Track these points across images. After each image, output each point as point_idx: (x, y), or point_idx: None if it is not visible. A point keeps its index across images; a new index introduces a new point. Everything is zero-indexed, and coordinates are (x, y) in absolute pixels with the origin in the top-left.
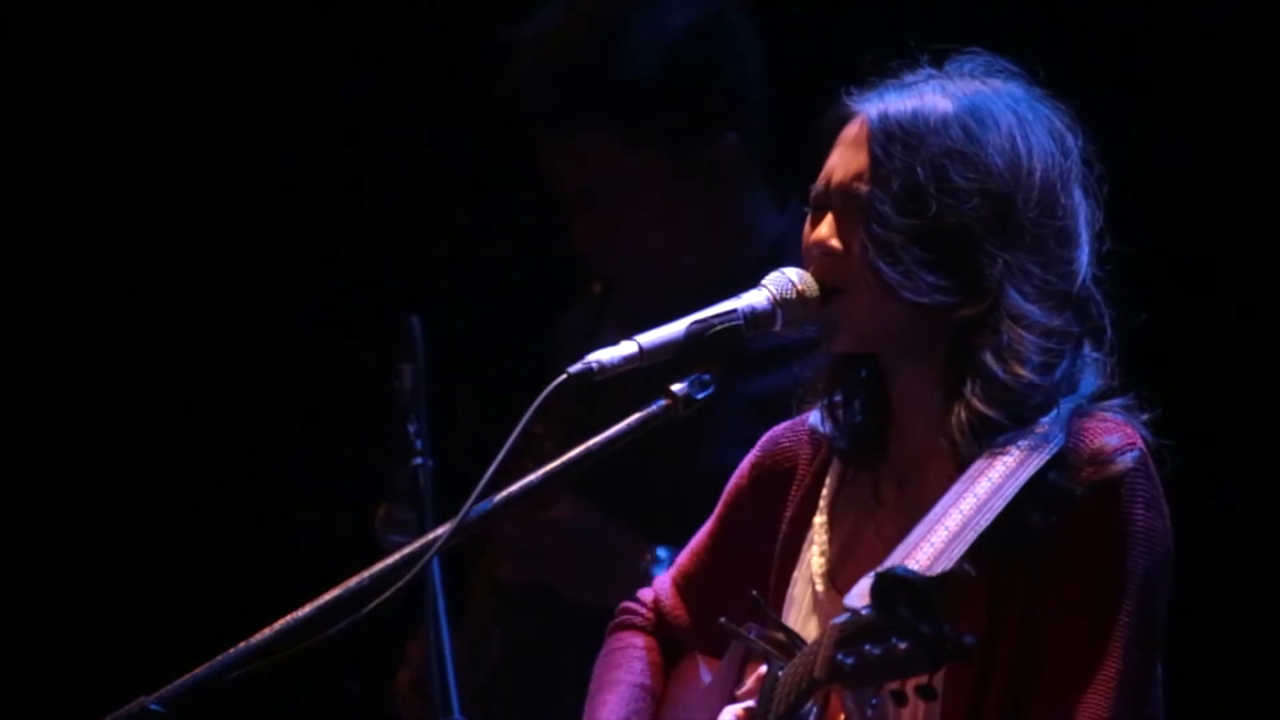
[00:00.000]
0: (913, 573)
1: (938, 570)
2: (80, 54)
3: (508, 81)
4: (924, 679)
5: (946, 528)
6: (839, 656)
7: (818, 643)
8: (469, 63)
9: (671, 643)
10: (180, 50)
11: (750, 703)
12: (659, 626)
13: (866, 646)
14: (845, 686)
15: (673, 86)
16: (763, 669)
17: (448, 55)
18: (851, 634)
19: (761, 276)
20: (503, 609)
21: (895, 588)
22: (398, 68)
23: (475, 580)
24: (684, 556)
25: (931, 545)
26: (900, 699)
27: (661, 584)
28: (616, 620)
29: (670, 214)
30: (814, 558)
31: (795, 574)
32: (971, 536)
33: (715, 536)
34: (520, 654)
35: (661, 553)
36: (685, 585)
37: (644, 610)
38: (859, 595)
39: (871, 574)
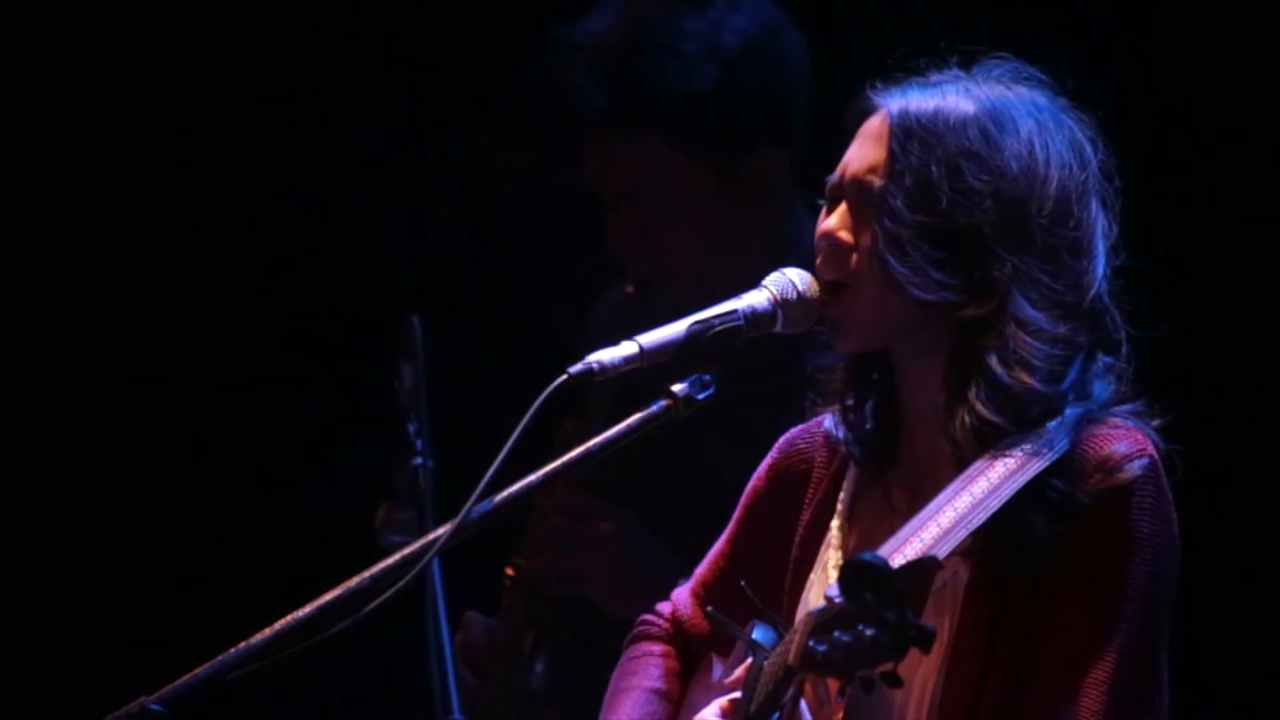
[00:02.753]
0: (879, 559)
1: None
2: (81, 54)
3: (558, 82)
4: (890, 666)
5: (939, 524)
6: (811, 644)
7: (794, 631)
8: (480, 61)
9: (690, 651)
10: (184, 52)
11: (737, 694)
12: (676, 637)
13: (836, 634)
14: (818, 674)
15: (724, 99)
16: (749, 660)
17: (448, 53)
18: (824, 622)
19: None
20: (536, 609)
21: (861, 574)
22: (398, 68)
23: (506, 578)
24: (703, 566)
25: (921, 540)
26: (868, 685)
27: (680, 595)
28: (634, 632)
29: (710, 224)
30: (830, 560)
31: (811, 576)
32: (963, 533)
33: (733, 543)
34: (558, 654)
35: None
36: (704, 594)
37: (661, 622)
38: (837, 585)
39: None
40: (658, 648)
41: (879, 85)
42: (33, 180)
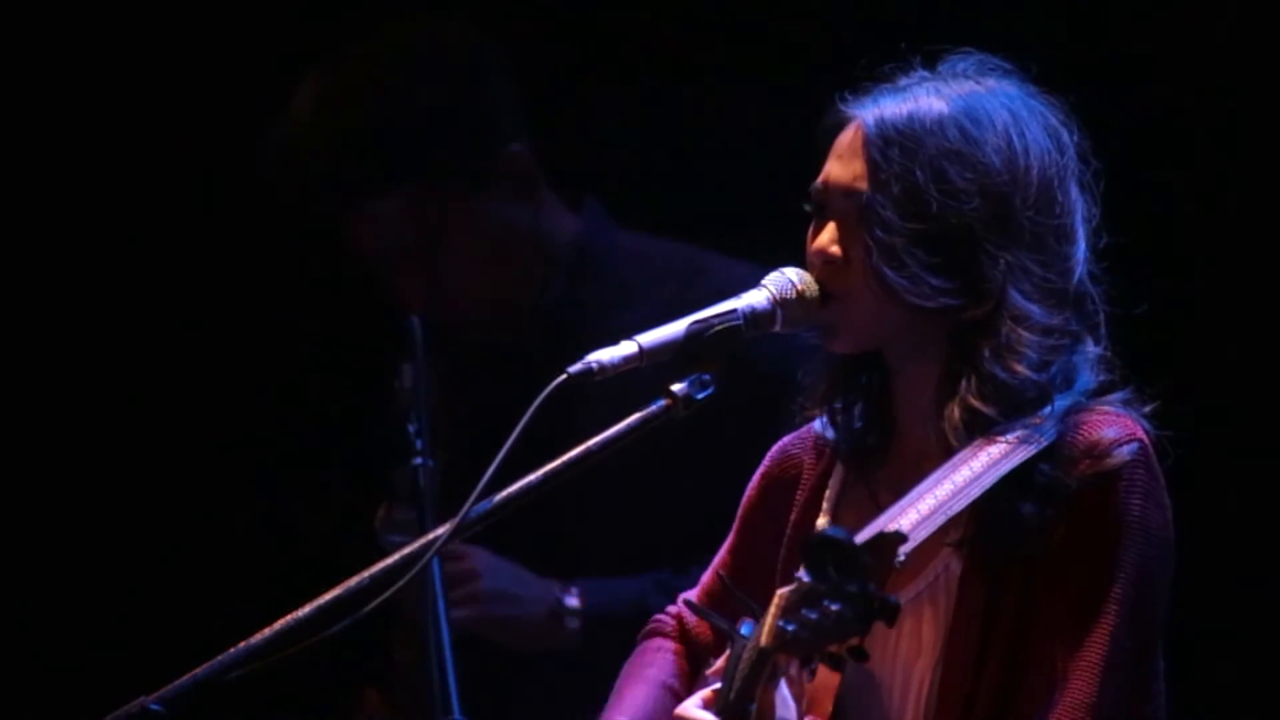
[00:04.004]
0: (840, 533)
1: (902, 553)
2: (81, 54)
3: (284, 176)
4: (856, 640)
5: (918, 510)
6: (780, 623)
7: (766, 614)
8: None
9: (695, 656)
10: (183, 48)
11: (719, 684)
12: (684, 640)
13: (804, 611)
14: (788, 653)
15: (443, 123)
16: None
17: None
18: (793, 602)
19: (570, 282)
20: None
21: (822, 549)
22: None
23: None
24: (706, 575)
25: (899, 526)
26: (837, 662)
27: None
28: (647, 629)
29: (485, 242)
30: None
31: (800, 574)
32: (941, 519)
33: (733, 551)
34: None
35: (571, 601)
36: (706, 603)
37: (673, 621)
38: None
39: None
40: (671, 644)
41: (848, 96)
42: (31, 178)
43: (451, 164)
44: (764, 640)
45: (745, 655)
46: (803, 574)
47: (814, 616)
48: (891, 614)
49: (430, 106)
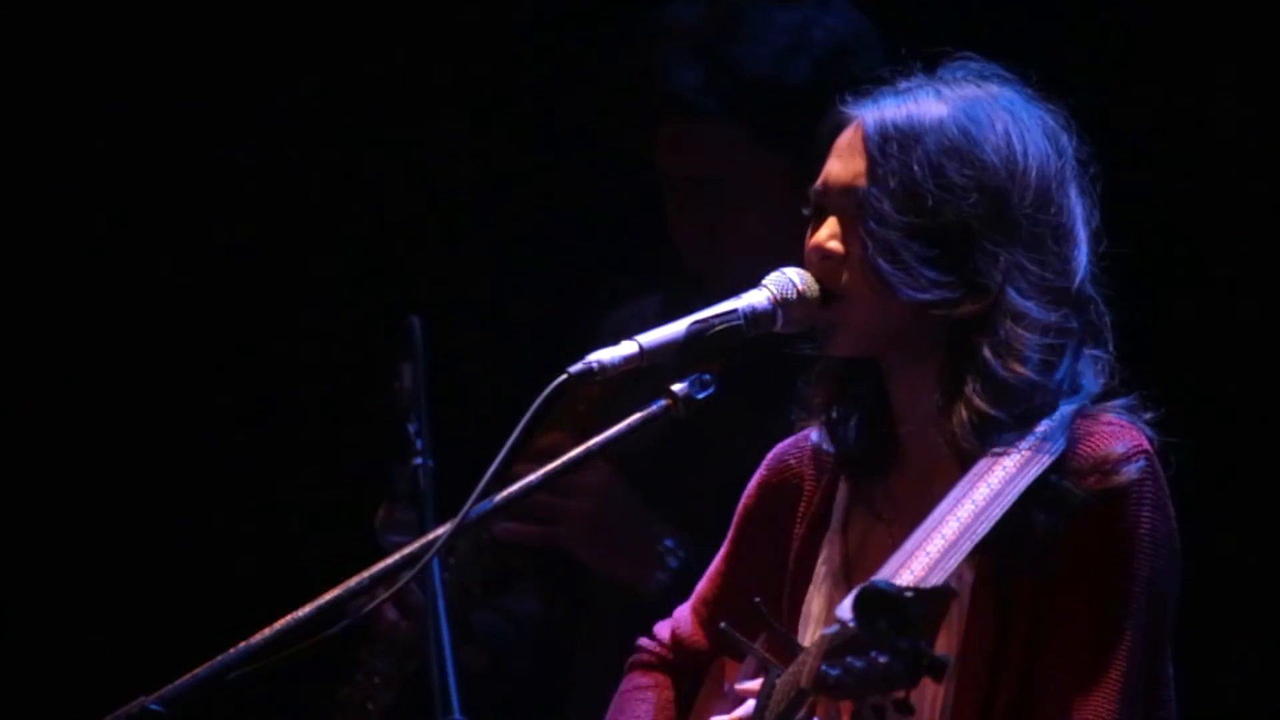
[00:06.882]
0: (894, 587)
1: (931, 583)
2: (80, 54)
3: (642, 65)
4: (902, 694)
5: (943, 536)
6: (824, 668)
7: (808, 652)
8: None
9: (689, 673)
10: (185, 47)
11: (741, 712)
12: (676, 658)
13: (849, 659)
14: (830, 698)
15: (812, 96)
16: (761, 677)
17: (444, 55)
18: (837, 646)
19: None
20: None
21: (875, 601)
22: (400, 67)
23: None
24: (702, 583)
25: (927, 555)
26: (880, 713)
27: (680, 614)
28: (630, 659)
29: (779, 226)
30: (828, 572)
31: (810, 589)
32: (968, 546)
33: (729, 559)
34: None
35: (669, 542)
36: (704, 611)
37: (658, 648)
38: (849, 606)
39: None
40: (649, 679)
41: (849, 98)
42: (33, 178)
43: (791, 136)
44: (805, 681)
45: (780, 689)
46: (846, 615)
47: (860, 665)
48: (940, 671)
49: (801, 72)
